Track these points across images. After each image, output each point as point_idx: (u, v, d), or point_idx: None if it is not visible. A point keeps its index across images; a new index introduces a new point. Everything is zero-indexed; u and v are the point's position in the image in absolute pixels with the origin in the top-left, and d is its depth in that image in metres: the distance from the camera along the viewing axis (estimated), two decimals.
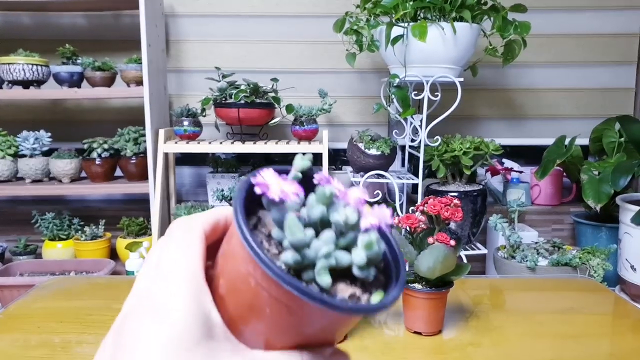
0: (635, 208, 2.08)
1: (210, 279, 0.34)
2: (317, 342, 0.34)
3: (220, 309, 0.33)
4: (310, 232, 0.32)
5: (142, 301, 0.30)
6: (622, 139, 2.39)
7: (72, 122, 2.64)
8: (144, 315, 0.29)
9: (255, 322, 0.33)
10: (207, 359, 0.29)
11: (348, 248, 0.33)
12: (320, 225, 0.34)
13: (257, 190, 0.33)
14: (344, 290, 0.33)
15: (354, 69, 2.33)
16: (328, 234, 0.33)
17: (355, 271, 0.33)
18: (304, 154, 0.38)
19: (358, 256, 0.32)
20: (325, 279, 0.31)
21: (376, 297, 0.33)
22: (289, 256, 0.31)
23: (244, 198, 0.34)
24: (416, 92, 2.08)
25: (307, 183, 0.35)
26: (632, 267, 2.15)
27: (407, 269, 0.90)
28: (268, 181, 0.33)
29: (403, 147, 2.43)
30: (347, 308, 0.30)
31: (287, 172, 0.36)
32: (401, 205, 2.31)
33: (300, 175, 0.36)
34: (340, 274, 0.33)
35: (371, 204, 0.38)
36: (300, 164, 0.37)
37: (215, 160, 2.55)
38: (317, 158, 2.61)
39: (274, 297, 0.30)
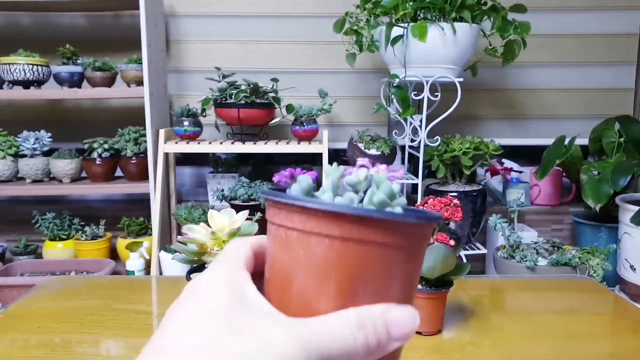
0: (635, 208, 2.08)
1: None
2: (371, 287, 0.31)
3: (270, 275, 0.34)
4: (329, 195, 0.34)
5: (184, 293, 0.32)
6: (622, 139, 2.39)
7: (72, 122, 2.64)
8: (183, 300, 0.31)
9: (295, 281, 0.32)
10: (237, 322, 0.29)
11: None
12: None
13: (276, 179, 0.36)
14: None
15: (354, 69, 2.33)
16: (349, 194, 0.34)
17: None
18: (339, 164, 0.38)
19: (375, 195, 0.33)
20: (378, 195, 0.33)
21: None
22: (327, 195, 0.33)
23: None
24: (416, 92, 2.08)
25: None
26: (631, 267, 2.15)
27: None
28: (285, 175, 0.37)
29: (403, 147, 2.43)
30: (418, 217, 0.31)
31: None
32: None
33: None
34: None
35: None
36: (331, 172, 0.38)
37: (216, 160, 2.55)
38: (317, 158, 2.62)
39: (304, 233, 0.31)
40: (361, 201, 0.33)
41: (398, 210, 0.33)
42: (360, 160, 0.36)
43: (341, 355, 0.29)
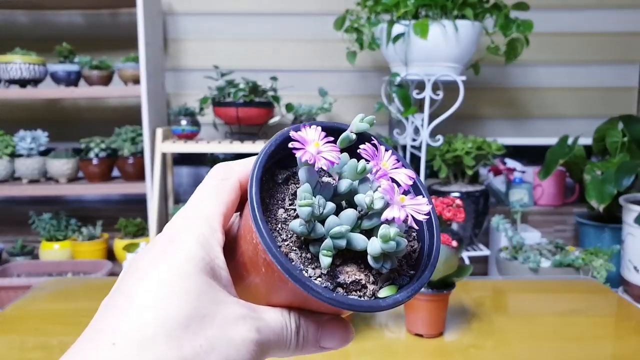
0: (639, 208, 2.07)
1: (234, 227, 0.35)
2: (316, 310, 0.33)
3: (234, 256, 0.34)
4: (330, 205, 0.31)
5: (157, 238, 0.32)
6: (626, 139, 2.38)
7: (69, 122, 2.63)
8: (155, 247, 0.31)
9: (254, 276, 0.33)
10: (204, 296, 0.29)
11: (371, 232, 0.32)
12: (349, 199, 0.33)
13: (290, 145, 0.31)
14: (349, 274, 0.32)
15: (354, 67, 2.32)
16: (349, 213, 0.32)
17: (369, 259, 0.31)
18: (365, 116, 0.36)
19: (373, 245, 0.31)
20: (325, 260, 0.30)
21: (384, 292, 0.32)
22: (295, 225, 0.31)
23: (271, 152, 0.33)
24: (417, 91, 2.06)
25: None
26: (635, 268, 2.13)
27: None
28: (307, 138, 0.32)
29: (404, 147, 2.41)
30: (327, 297, 0.29)
31: (343, 130, 0.35)
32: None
33: (353, 137, 0.35)
34: (360, 255, 0.32)
35: (414, 190, 0.36)
36: (356, 125, 0.35)
37: (214, 160, 2.53)
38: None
39: (266, 260, 0.30)
40: (360, 217, 0.32)
41: (385, 267, 0.32)
42: (385, 181, 0.32)
43: (274, 349, 0.32)
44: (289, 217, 0.33)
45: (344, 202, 0.33)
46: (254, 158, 0.34)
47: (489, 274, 2.45)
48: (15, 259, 2.43)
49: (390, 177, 0.32)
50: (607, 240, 2.34)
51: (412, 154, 2.38)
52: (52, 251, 2.39)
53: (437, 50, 1.97)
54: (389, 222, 0.30)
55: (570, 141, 2.39)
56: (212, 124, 2.36)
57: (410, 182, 0.33)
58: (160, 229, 2.27)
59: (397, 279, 0.33)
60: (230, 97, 2.17)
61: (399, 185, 0.32)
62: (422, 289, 0.94)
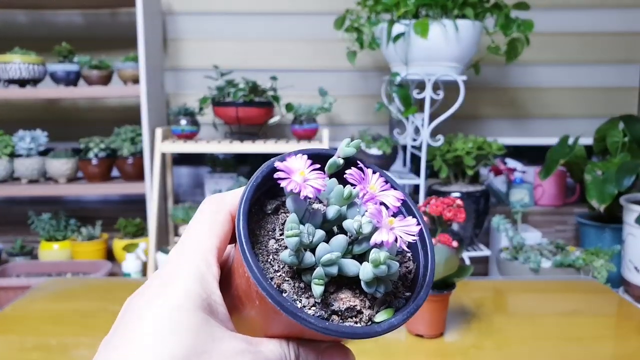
0: (639, 209, 2.06)
1: (230, 260, 0.36)
2: (314, 339, 0.33)
3: (229, 289, 0.34)
4: (320, 233, 0.31)
5: (154, 276, 0.32)
6: (626, 139, 2.38)
7: (68, 122, 2.63)
8: (151, 286, 0.31)
9: (249, 308, 0.33)
10: (202, 332, 0.29)
11: (363, 256, 0.32)
12: (339, 225, 0.33)
13: (275, 175, 0.31)
14: (344, 301, 0.31)
15: (354, 67, 2.32)
16: (339, 240, 0.31)
17: (363, 285, 0.31)
18: (352, 139, 0.36)
19: (365, 271, 0.31)
20: (317, 289, 0.30)
21: (380, 317, 0.31)
22: (285, 256, 0.31)
23: (258, 184, 0.34)
24: (418, 91, 2.06)
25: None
26: (635, 268, 2.13)
27: None
28: (292, 167, 0.32)
29: (404, 147, 2.41)
30: (320, 327, 0.29)
31: (330, 156, 0.35)
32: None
33: (341, 162, 0.35)
34: (354, 281, 0.32)
35: (404, 211, 0.36)
36: (343, 150, 0.35)
37: (214, 159, 2.53)
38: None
39: (259, 293, 0.30)
40: (351, 243, 0.32)
41: (379, 291, 0.32)
42: (372, 204, 0.31)
43: None
44: (280, 248, 0.33)
45: (335, 228, 0.33)
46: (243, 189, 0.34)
47: (490, 274, 2.45)
48: (14, 259, 2.43)
49: (379, 200, 0.32)
50: (608, 241, 2.34)
51: (412, 154, 2.37)
52: (51, 251, 2.39)
53: (438, 49, 1.96)
54: (378, 245, 0.30)
55: (570, 141, 2.39)
56: (212, 124, 2.36)
57: (398, 204, 0.33)
58: (159, 228, 2.27)
59: (393, 301, 0.33)
60: (230, 96, 2.16)
61: (388, 207, 0.32)
62: None
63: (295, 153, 0.33)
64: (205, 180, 2.51)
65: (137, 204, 2.56)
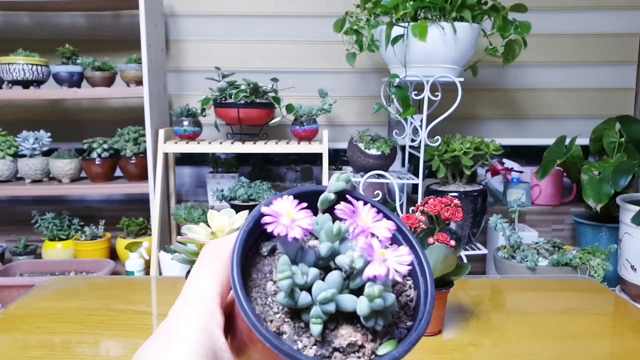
0: (636, 208, 2.07)
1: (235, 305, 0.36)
2: None
3: (234, 333, 0.35)
4: (314, 271, 0.31)
5: (160, 328, 0.32)
6: (623, 139, 2.39)
7: (71, 122, 2.64)
8: (156, 340, 0.31)
9: (254, 351, 0.33)
10: None
11: (360, 290, 0.31)
12: (334, 261, 0.33)
13: (262, 221, 0.31)
14: (345, 337, 0.31)
15: (354, 69, 2.33)
16: (334, 276, 0.31)
17: (362, 320, 0.31)
18: (341, 171, 0.37)
19: (361, 306, 0.30)
20: (315, 328, 0.30)
21: (383, 349, 0.31)
22: (281, 298, 0.31)
23: (249, 229, 0.33)
24: (416, 92, 2.08)
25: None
26: (632, 267, 2.14)
27: None
28: (279, 210, 0.32)
29: (403, 147, 2.43)
30: None
31: (321, 193, 0.35)
32: (401, 205, 2.31)
33: (332, 197, 0.35)
34: (355, 315, 0.31)
35: (398, 235, 0.36)
36: (334, 185, 0.35)
37: (215, 160, 2.55)
38: (317, 158, 2.61)
39: (258, 338, 0.30)
40: (346, 278, 0.32)
41: (379, 324, 0.32)
42: (363, 238, 0.31)
43: None
44: (278, 289, 0.32)
45: (332, 263, 0.33)
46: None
47: (487, 272, 2.45)
48: (18, 258, 2.44)
49: (370, 233, 0.32)
50: (605, 240, 2.35)
51: (410, 154, 2.39)
52: (54, 250, 2.40)
53: (436, 52, 1.97)
54: (372, 279, 0.30)
55: (567, 141, 2.40)
56: (214, 125, 2.37)
57: (389, 235, 0.33)
58: (162, 228, 2.28)
59: (395, 332, 0.33)
60: (232, 98, 2.18)
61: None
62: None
63: (282, 195, 0.33)
64: (207, 180, 2.53)
65: (140, 203, 2.57)
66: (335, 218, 0.33)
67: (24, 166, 2.32)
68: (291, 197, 0.33)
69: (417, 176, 2.14)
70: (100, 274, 2.22)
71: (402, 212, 2.27)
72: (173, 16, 2.57)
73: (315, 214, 0.33)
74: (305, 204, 0.32)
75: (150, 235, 2.41)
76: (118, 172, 2.47)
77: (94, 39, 2.57)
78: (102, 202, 2.71)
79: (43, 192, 2.32)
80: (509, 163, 2.63)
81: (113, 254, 2.47)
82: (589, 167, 2.33)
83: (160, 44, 2.41)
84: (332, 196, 0.35)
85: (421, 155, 2.09)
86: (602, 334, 1.00)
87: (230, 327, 0.35)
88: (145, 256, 2.25)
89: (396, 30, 1.98)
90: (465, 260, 2.11)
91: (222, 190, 2.25)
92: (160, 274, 2.22)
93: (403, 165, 2.46)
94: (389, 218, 0.34)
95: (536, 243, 2.11)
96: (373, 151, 2.19)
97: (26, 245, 2.51)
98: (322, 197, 0.35)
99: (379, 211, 0.34)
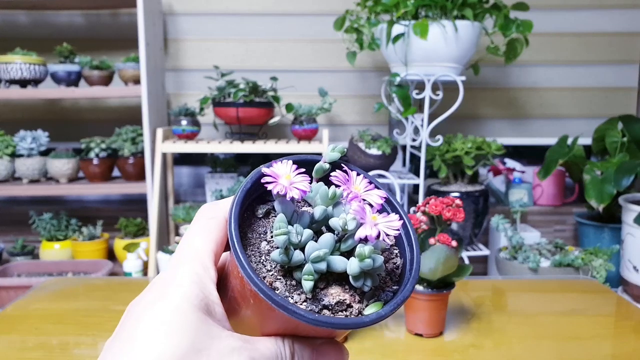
0: (638, 208, 2.07)
1: (226, 265, 0.37)
2: (309, 335, 0.34)
3: (226, 292, 0.36)
4: (307, 232, 0.33)
5: (153, 281, 0.33)
6: (625, 139, 2.38)
7: (69, 122, 2.64)
8: (150, 290, 0.32)
9: (245, 308, 0.34)
10: (199, 330, 0.30)
11: (351, 253, 0.33)
12: (327, 225, 0.35)
13: (263, 180, 0.33)
14: (334, 296, 0.33)
15: (354, 67, 2.32)
16: (326, 238, 0.33)
17: (351, 279, 0.32)
18: (335, 143, 0.38)
19: (351, 266, 0.32)
20: (306, 284, 0.32)
21: (369, 310, 0.33)
22: (275, 254, 0.32)
23: (248, 189, 0.35)
24: (417, 91, 2.07)
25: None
26: (634, 268, 2.14)
27: None
28: (279, 172, 0.34)
29: (404, 147, 2.42)
30: (311, 319, 0.30)
31: (317, 162, 0.37)
32: (402, 205, 2.30)
33: (327, 166, 0.37)
34: (344, 277, 0.33)
35: (388, 207, 0.38)
36: (329, 155, 0.37)
37: (214, 160, 2.54)
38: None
39: (252, 292, 0.31)
40: (338, 240, 0.33)
41: (367, 285, 0.33)
42: (356, 203, 0.33)
43: None
44: (271, 249, 0.34)
45: (324, 228, 0.35)
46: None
47: (489, 273, 2.45)
48: (15, 259, 2.43)
49: (363, 199, 0.34)
50: (607, 240, 2.34)
51: (412, 154, 2.38)
52: (52, 251, 2.39)
53: (437, 50, 1.97)
54: (363, 241, 0.32)
55: (569, 141, 2.40)
56: (213, 124, 2.36)
57: (381, 201, 0.34)
58: (160, 228, 2.28)
59: (381, 295, 0.34)
60: (231, 97, 2.17)
61: (372, 206, 0.34)
62: (422, 289, 0.95)
63: (281, 160, 0.35)
64: (205, 180, 2.52)
65: (138, 203, 2.56)
66: (329, 186, 0.35)
67: (21, 166, 2.31)
68: (290, 161, 0.35)
69: (418, 176, 2.13)
70: (98, 274, 2.21)
71: None
72: (171, 15, 2.56)
73: (310, 182, 0.35)
74: (302, 169, 0.34)
75: (148, 235, 2.40)
76: (116, 172, 2.46)
77: (92, 37, 2.56)
78: (100, 202, 2.70)
79: (40, 192, 2.32)
80: (510, 163, 2.62)
81: (111, 255, 2.47)
82: (591, 167, 2.32)
83: (158, 43, 2.40)
84: (327, 166, 0.37)
85: (422, 155, 2.08)
86: (604, 335, 1.00)
87: (221, 288, 0.35)
88: (143, 257, 2.24)
89: (397, 29, 1.98)
90: (466, 261, 2.10)
91: (221, 190, 2.24)
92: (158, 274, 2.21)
93: (404, 165, 2.45)
94: (379, 189, 0.36)
95: (538, 244, 2.11)
96: (374, 151, 2.18)
97: (24, 246, 2.50)
98: (317, 166, 0.37)
99: (370, 182, 0.36)
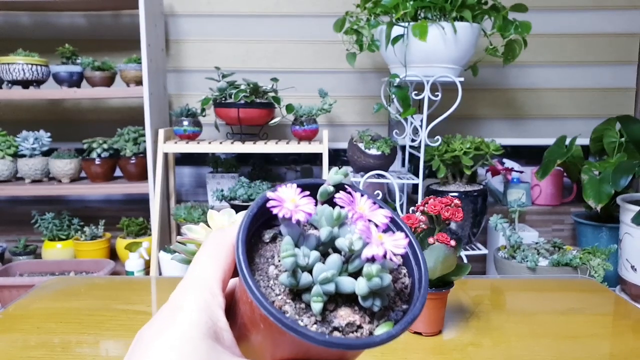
0: (636, 208, 2.07)
1: (236, 291, 0.37)
2: (320, 358, 0.34)
3: (236, 318, 0.35)
4: (315, 254, 0.33)
5: (162, 309, 0.33)
6: (623, 139, 2.39)
7: (71, 122, 2.64)
8: (159, 318, 0.32)
9: (255, 334, 0.34)
10: (210, 357, 0.30)
11: (359, 274, 0.33)
12: (333, 247, 0.34)
13: (268, 205, 0.33)
14: (344, 317, 0.32)
15: (354, 68, 2.33)
16: (334, 259, 0.33)
17: (360, 299, 0.32)
18: (339, 167, 0.39)
19: (360, 285, 0.32)
20: (315, 306, 0.31)
21: (380, 330, 0.33)
22: (283, 278, 0.32)
23: (254, 214, 0.35)
24: (416, 92, 2.08)
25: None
26: (632, 267, 2.14)
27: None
28: (284, 196, 0.34)
29: (403, 147, 2.43)
30: (321, 341, 0.30)
31: (320, 185, 0.37)
32: (401, 205, 2.31)
33: (331, 189, 0.37)
34: (352, 298, 0.33)
35: (393, 227, 0.38)
36: (332, 178, 0.37)
37: (215, 160, 2.55)
38: (317, 158, 2.61)
39: (262, 316, 0.31)
40: (346, 261, 0.33)
41: (376, 305, 0.33)
42: (362, 222, 0.33)
43: None
44: (279, 273, 0.34)
45: (330, 250, 0.35)
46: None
47: (487, 272, 2.45)
48: (18, 259, 2.44)
49: (368, 219, 0.34)
50: (605, 240, 2.35)
51: (411, 154, 2.39)
52: (54, 250, 2.40)
53: (436, 51, 1.97)
54: (370, 260, 0.32)
55: (567, 141, 2.40)
56: (214, 125, 2.37)
57: (386, 221, 0.35)
58: (162, 228, 2.29)
59: (391, 315, 0.34)
60: (232, 98, 2.18)
61: (377, 226, 0.34)
62: None
63: (286, 184, 0.35)
64: (207, 180, 2.53)
65: (140, 203, 2.57)
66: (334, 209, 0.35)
67: (23, 166, 2.32)
68: (295, 185, 0.35)
69: (417, 176, 2.14)
70: (100, 274, 2.22)
71: (402, 212, 2.27)
72: (173, 16, 2.57)
73: (315, 205, 0.35)
74: (307, 192, 0.34)
75: (150, 235, 2.41)
76: (118, 172, 2.47)
77: (94, 38, 2.57)
78: (102, 202, 2.71)
79: (43, 192, 2.32)
80: (509, 163, 2.63)
81: (113, 254, 2.47)
82: (589, 167, 2.33)
83: (160, 44, 2.41)
84: (331, 188, 0.37)
85: (421, 155, 2.09)
86: (602, 334, 1.00)
87: (230, 315, 0.35)
88: (145, 256, 2.25)
89: (396, 30, 1.98)
90: (465, 261, 2.11)
91: (222, 190, 2.25)
92: (160, 274, 2.22)
93: (403, 165, 2.46)
94: (383, 209, 0.36)
95: (536, 243, 2.11)
96: (373, 151, 2.19)
97: (26, 245, 2.51)
98: (321, 189, 0.37)
99: (374, 202, 0.36)
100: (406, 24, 1.97)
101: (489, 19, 2.04)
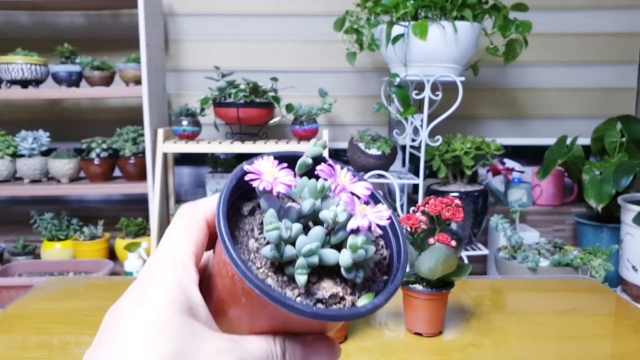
0: (637, 208, 2.07)
1: (209, 266, 0.36)
2: (300, 331, 0.34)
3: (211, 293, 0.35)
4: (297, 226, 0.32)
5: (132, 286, 0.31)
6: (624, 139, 2.38)
7: (70, 122, 2.64)
8: (130, 295, 0.31)
9: (234, 309, 0.34)
10: (184, 334, 0.29)
11: (341, 246, 0.33)
12: (314, 219, 0.34)
13: (246, 177, 0.33)
14: (327, 289, 0.32)
15: (354, 68, 2.32)
16: (317, 231, 0.33)
17: (343, 271, 0.32)
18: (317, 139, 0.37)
19: (343, 257, 0.32)
20: (300, 278, 0.31)
21: (362, 301, 0.33)
22: (267, 251, 0.32)
23: (233, 187, 0.34)
24: (417, 92, 2.07)
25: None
26: (633, 267, 2.14)
27: (407, 270, 0.89)
28: (261, 169, 0.33)
29: (404, 147, 2.42)
30: (309, 313, 0.30)
31: (299, 158, 0.37)
32: (402, 205, 2.30)
33: (310, 161, 0.37)
34: (334, 270, 0.33)
35: (374, 200, 0.38)
36: (311, 150, 0.37)
37: (215, 160, 2.54)
38: (316, 158, 2.60)
39: (244, 289, 0.31)
40: (328, 233, 0.33)
41: (359, 276, 0.33)
42: (345, 194, 0.33)
43: None
44: (260, 246, 0.33)
45: (310, 223, 0.34)
46: (218, 195, 0.35)
47: (488, 273, 2.46)
48: (17, 259, 2.44)
49: (349, 191, 0.34)
50: (606, 240, 2.34)
51: (411, 154, 2.38)
52: (53, 251, 2.40)
53: (436, 51, 1.97)
54: (354, 232, 0.32)
55: (568, 141, 2.40)
56: (213, 125, 2.37)
57: (368, 193, 0.35)
58: (161, 228, 2.28)
59: (372, 286, 0.34)
60: (231, 97, 2.17)
61: (359, 198, 0.34)
62: (422, 288, 0.95)
63: (262, 156, 0.34)
64: (206, 180, 2.52)
65: (139, 203, 2.57)
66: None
67: (22, 166, 2.32)
68: (272, 157, 0.34)
69: (418, 176, 2.14)
70: (99, 274, 2.21)
71: (402, 213, 2.26)
72: (172, 15, 2.56)
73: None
74: (285, 164, 0.34)
75: (149, 235, 2.41)
76: (117, 172, 2.46)
77: (93, 38, 2.56)
78: (101, 202, 2.71)
79: (42, 192, 2.32)
80: (510, 163, 2.63)
81: (112, 255, 2.47)
82: (590, 167, 2.33)
83: (159, 43, 2.41)
84: (310, 161, 0.36)
85: (422, 155, 2.08)
86: (603, 335, 1.00)
87: (204, 290, 0.34)
88: (144, 256, 2.25)
89: (396, 30, 1.98)
90: (466, 261, 2.10)
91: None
92: None
93: (403, 165, 2.46)
94: (364, 181, 0.36)
95: (537, 243, 2.11)
96: (373, 151, 2.19)
97: (25, 246, 2.50)
98: (300, 161, 0.36)
99: (354, 175, 0.36)
100: (406, 23, 1.97)
101: (490, 19, 2.04)
